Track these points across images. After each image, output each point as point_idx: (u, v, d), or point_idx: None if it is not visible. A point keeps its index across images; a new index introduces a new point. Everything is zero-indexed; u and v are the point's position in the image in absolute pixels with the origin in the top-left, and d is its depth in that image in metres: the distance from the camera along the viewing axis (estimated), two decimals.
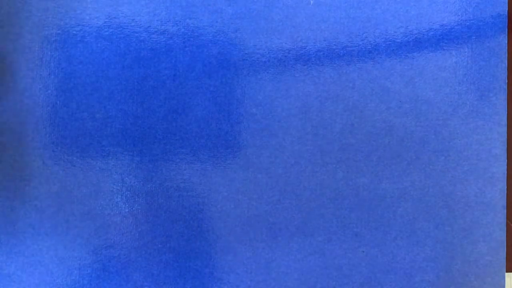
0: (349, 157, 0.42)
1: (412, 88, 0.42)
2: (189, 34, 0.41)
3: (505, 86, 0.42)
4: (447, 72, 0.42)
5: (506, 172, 0.42)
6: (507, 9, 0.42)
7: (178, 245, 0.41)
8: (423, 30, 0.42)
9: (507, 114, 0.42)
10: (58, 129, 0.40)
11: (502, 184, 0.42)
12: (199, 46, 0.41)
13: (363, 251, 0.42)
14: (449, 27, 0.42)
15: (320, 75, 0.42)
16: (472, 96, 0.42)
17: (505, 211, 0.42)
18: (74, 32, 0.41)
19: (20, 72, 0.40)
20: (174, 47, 0.41)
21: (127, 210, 0.41)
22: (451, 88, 0.42)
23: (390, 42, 0.42)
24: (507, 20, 0.42)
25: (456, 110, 0.42)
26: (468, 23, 0.42)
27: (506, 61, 0.42)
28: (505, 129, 0.42)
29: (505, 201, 0.42)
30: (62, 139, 0.40)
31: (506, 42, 0.42)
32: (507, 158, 0.42)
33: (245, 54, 0.41)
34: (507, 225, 0.42)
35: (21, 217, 0.40)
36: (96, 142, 0.41)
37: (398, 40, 0.42)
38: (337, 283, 0.42)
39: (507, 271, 0.42)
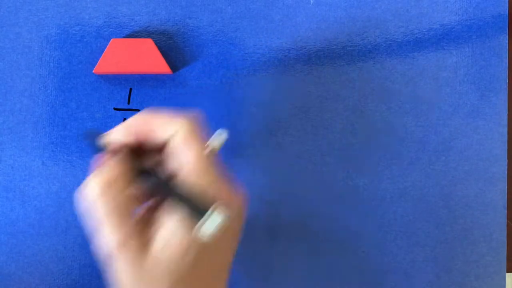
0: (349, 157, 0.42)
1: (412, 88, 0.42)
2: (189, 34, 0.41)
3: (506, 86, 0.42)
4: (447, 72, 0.42)
5: (506, 172, 0.42)
6: (507, 9, 0.42)
7: None
8: (424, 30, 0.42)
9: (508, 114, 0.42)
10: (58, 129, 0.40)
11: (503, 184, 0.42)
12: (199, 46, 0.41)
13: (363, 251, 0.42)
14: (450, 26, 0.42)
15: (320, 74, 0.42)
16: (473, 96, 0.42)
17: (506, 211, 0.42)
18: (74, 32, 0.41)
19: (20, 72, 0.40)
20: (174, 47, 0.41)
21: None
22: (452, 88, 0.42)
23: (390, 42, 0.42)
24: (507, 20, 0.42)
25: (456, 110, 0.42)
26: (468, 23, 0.42)
27: (506, 61, 0.42)
28: (505, 129, 0.42)
29: (506, 201, 0.42)
30: (62, 139, 0.40)
31: (507, 41, 0.42)
32: (508, 158, 0.42)
33: (245, 54, 0.41)
34: (507, 225, 0.42)
35: (21, 217, 0.40)
36: None
37: (398, 40, 0.42)
38: (337, 283, 0.42)
39: (507, 271, 0.42)
